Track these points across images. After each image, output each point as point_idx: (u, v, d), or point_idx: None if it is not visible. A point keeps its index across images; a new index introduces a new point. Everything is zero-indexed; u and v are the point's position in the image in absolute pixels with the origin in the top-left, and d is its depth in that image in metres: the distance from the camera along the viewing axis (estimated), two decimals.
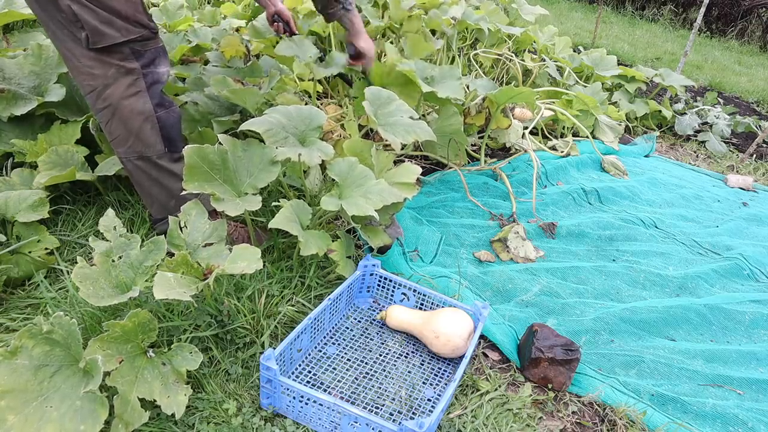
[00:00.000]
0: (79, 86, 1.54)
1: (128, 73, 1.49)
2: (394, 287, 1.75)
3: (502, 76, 3.65)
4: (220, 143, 1.57)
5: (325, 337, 1.60)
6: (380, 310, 1.74)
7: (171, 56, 2.37)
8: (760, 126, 4.24)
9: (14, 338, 1.15)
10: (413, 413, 1.41)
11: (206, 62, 2.49)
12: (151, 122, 1.56)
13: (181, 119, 1.67)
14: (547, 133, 3.25)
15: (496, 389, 1.52)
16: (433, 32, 3.17)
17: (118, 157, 1.62)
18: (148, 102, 1.54)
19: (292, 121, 1.67)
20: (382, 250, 1.89)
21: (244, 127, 1.57)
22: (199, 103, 2.07)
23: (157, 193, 1.67)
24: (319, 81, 2.89)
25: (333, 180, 1.68)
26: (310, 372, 1.48)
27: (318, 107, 2.23)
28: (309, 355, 1.53)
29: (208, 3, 4.14)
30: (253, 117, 1.65)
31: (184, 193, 1.50)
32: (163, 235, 1.46)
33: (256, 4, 2.97)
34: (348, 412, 1.25)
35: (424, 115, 2.61)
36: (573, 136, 3.30)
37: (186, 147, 1.50)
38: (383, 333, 1.66)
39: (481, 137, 2.74)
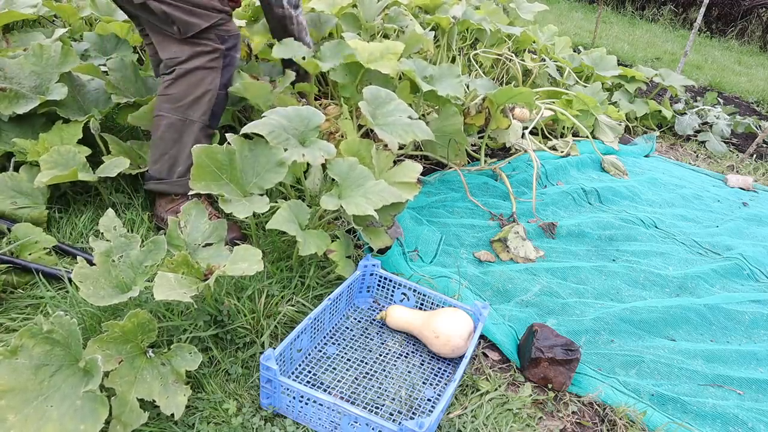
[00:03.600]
0: (162, 62, 1.75)
1: (213, 51, 1.72)
2: (394, 287, 1.75)
3: (502, 76, 3.65)
4: (228, 143, 1.58)
5: (325, 337, 1.60)
6: (380, 310, 1.74)
7: None
8: (760, 126, 4.24)
9: (14, 337, 1.15)
10: (413, 413, 1.41)
11: None
12: (210, 96, 1.75)
13: (227, 101, 1.87)
14: (547, 133, 3.25)
15: (496, 389, 1.52)
16: (434, 29, 3.17)
17: (158, 111, 1.76)
18: (217, 79, 1.75)
19: (292, 122, 1.68)
20: (382, 250, 1.89)
21: (246, 129, 1.58)
22: None
23: (174, 155, 1.79)
24: (318, 81, 2.89)
25: (333, 180, 1.68)
26: (310, 372, 1.48)
27: (317, 108, 2.23)
28: (309, 355, 1.53)
29: None
30: (262, 113, 1.67)
31: (191, 192, 1.54)
32: (162, 234, 1.46)
33: (257, 4, 2.97)
34: (348, 412, 1.25)
35: (424, 115, 2.62)
36: (573, 136, 3.30)
37: (194, 147, 1.55)
38: (383, 333, 1.67)
39: (481, 137, 2.74)
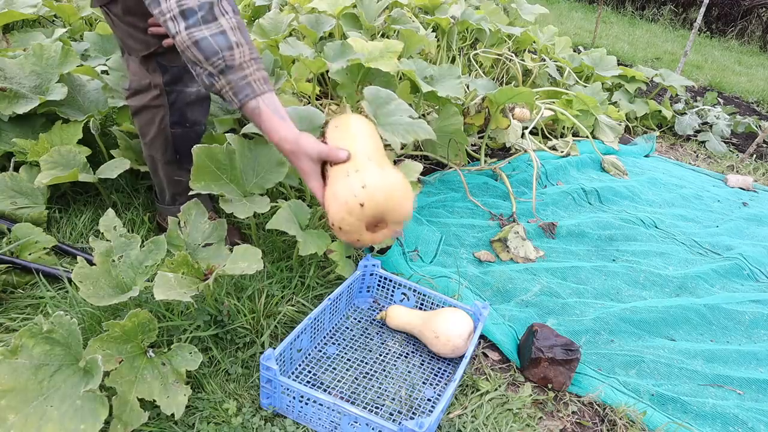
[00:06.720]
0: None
1: (154, 87, 1.54)
2: (394, 287, 1.75)
3: (502, 76, 3.65)
4: (228, 143, 1.58)
5: (325, 337, 1.60)
6: (380, 310, 1.74)
7: None
8: (760, 126, 4.24)
9: (14, 337, 1.15)
10: (413, 413, 1.41)
11: None
12: (165, 135, 1.60)
13: (201, 136, 1.68)
14: (547, 133, 3.25)
15: (496, 389, 1.52)
16: (434, 30, 3.17)
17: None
18: (166, 118, 1.57)
19: (292, 121, 1.67)
20: (382, 250, 1.89)
21: (247, 129, 1.58)
22: None
23: (158, 184, 1.76)
24: (318, 81, 2.90)
25: None
26: (310, 372, 1.48)
27: (317, 107, 2.23)
28: (309, 355, 1.53)
29: None
30: None
31: (191, 192, 1.53)
32: (163, 234, 1.46)
33: (256, 4, 2.97)
34: (348, 412, 1.25)
35: (424, 115, 2.62)
36: (573, 136, 3.30)
37: (195, 147, 1.52)
38: (383, 333, 1.67)
39: (481, 137, 2.74)
